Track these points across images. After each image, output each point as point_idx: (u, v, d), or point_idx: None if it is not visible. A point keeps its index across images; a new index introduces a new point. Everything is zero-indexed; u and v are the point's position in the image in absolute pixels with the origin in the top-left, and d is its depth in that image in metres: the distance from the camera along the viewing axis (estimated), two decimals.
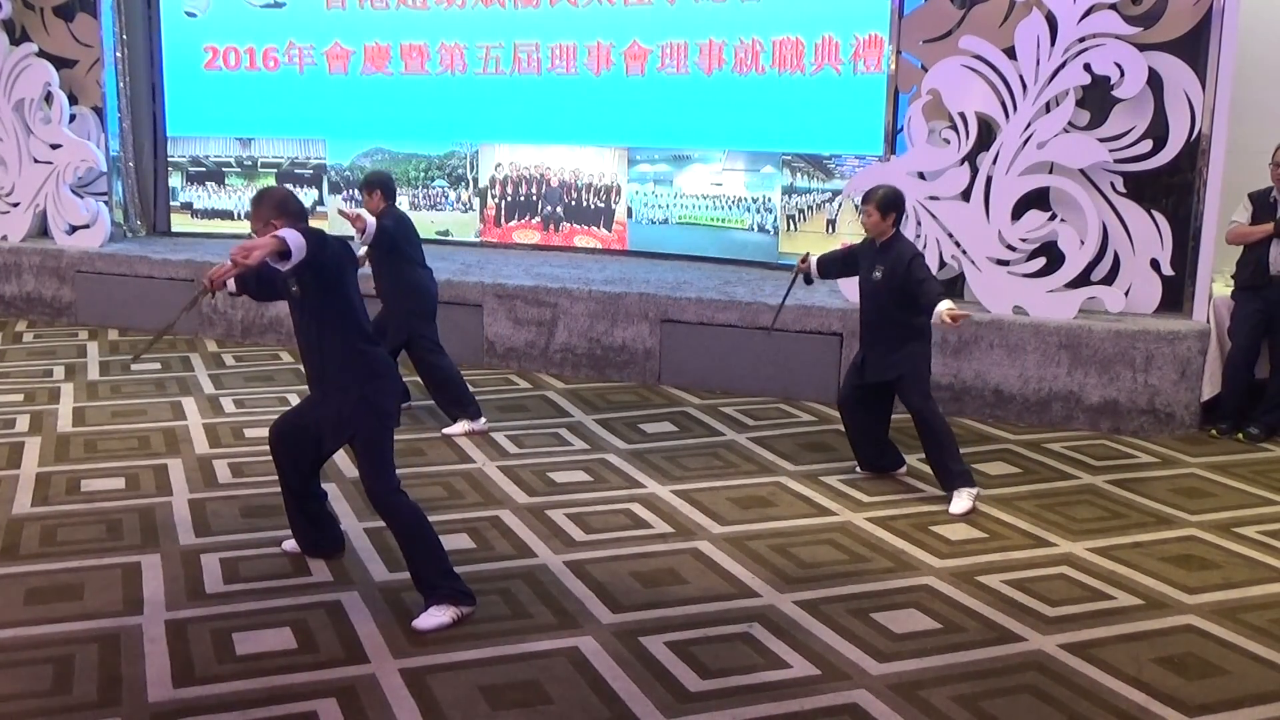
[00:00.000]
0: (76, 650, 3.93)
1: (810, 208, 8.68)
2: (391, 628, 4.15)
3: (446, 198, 10.05)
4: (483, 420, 6.65)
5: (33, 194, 9.76)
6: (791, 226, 8.76)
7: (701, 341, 7.66)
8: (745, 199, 9.01)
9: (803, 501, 5.59)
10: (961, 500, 5.47)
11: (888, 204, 5.58)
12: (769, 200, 8.87)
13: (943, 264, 7.26)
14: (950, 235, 7.22)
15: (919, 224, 7.25)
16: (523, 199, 9.83)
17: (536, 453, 6.28)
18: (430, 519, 5.20)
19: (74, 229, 9.71)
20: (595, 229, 9.64)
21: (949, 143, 7.15)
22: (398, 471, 4.40)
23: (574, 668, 3.90)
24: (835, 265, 6.08)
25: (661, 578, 4.67)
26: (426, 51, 9.76)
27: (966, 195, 7.16)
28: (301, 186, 10.26)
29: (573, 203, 9.67)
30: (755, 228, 8.97)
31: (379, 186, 6.58)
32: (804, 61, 8.59)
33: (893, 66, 7.67)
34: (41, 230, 9.94)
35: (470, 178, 9.97)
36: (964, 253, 7.20)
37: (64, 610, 4.25)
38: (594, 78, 9.36)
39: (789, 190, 8.76)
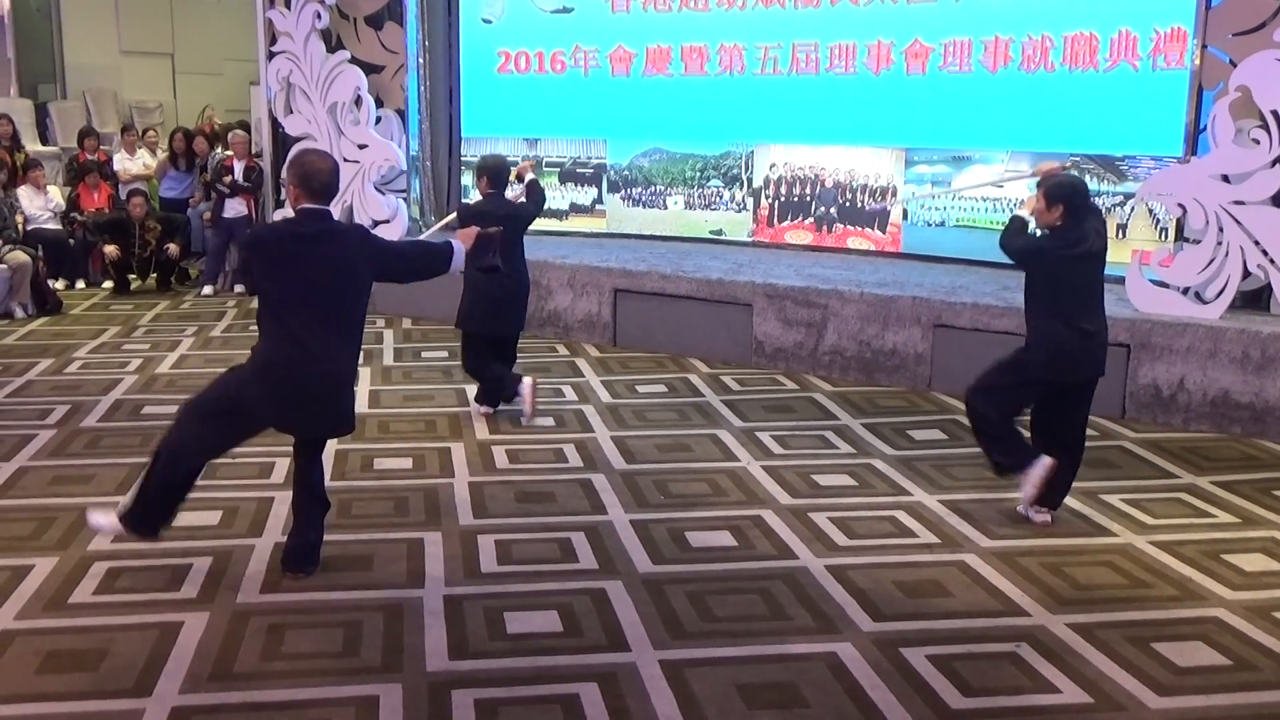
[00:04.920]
0: (364, 617, 4.23)
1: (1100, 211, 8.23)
2: (653, 619, 4.24)
3: (721, 197, 10.15)
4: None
5: (341, 191, 10.52)
6: None
7: (976, 348, 7.40)
8: None
9: (1080, 519, 5.33)
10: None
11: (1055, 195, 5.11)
12: None
13: (1247, 273, 6.75)
14: (1257, 243, 6.71)
15: (1220, 230, 6.77)
16: (796, 199, 9.81)
17: (801, 454, 6.26)
18: (693, 515, 5.31)
19: (376, 224, 10.40)
20: (869, 230, 9.50)
21: (1259, 143, 6.64)
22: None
23: (832, 673, 3.87)
24: None
25: (925, 588, 4.56)
26: (706, 53, 9.89)
27: (1277, 200, 6.63)
28: (582, 185, 10.63)
29: (847, 204, 9.57)
30: (1038, 232, 8.57)
31: (486, 172, 6.83)
32: (1098, 57, 8.18)
33: (1197, 61, 7.21)
34: None
35: (745, 178, 10.03)
36: (1272, 262, 6.67)
37: (355, 579, 4.57)
38: (873, 77, 9.23)
39: None
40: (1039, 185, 5.24)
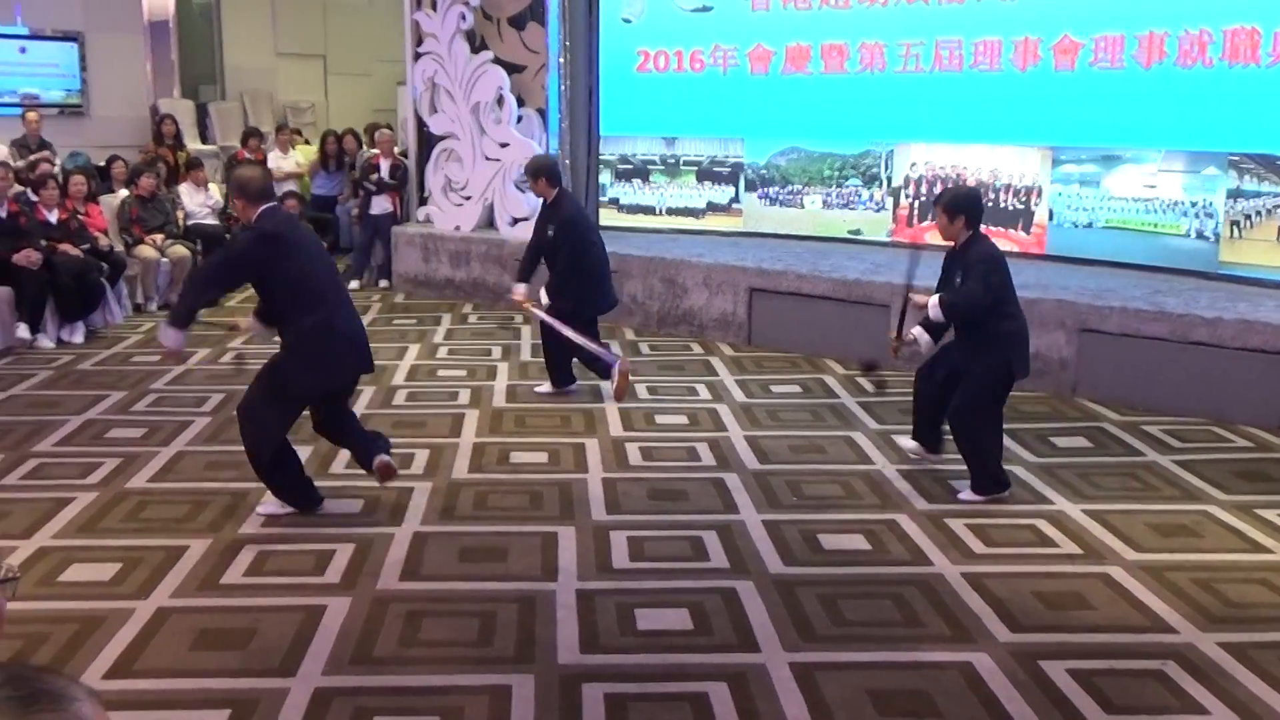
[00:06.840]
0: (499, 608, 4.31)
1: (1259, 213, 7.88)
2: (783, 620, 4.22)
3: (859, 197, 10.03)
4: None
5: (483, 188, 10.75)
6: (1235, 233, 8.01)
7: (1124, 354, 7.18)
8: (1182, 202, 8.33)
9: (1233, 534, 5.11)
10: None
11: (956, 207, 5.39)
12: (1210, 204, 8.15)
13: None
14: None
15: None
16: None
17: (938, 459, 6.14)
18: (825, 517, 5.27)
19: (515, 221, 10.59)
20: (1012, 231, 9.27)
21: None
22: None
23: (966, 683, 3.80)
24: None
25: (1066, 600, 4.44)
26: (846, 51, 9.78)
27: None
28: (719, 184, 10.62)
29: (989, 204, 9.35)
30: (1193, 234, 8.27)
31: (543, 173, 6.99)
32: (1260, 52, 7.82)
33: None
34: (488, 222, 10.92)
35: (884, 177, 9.89)
36: None
37: (490, 570, 4.66)
38: (1019, 74, 9.00)
39: (1235, 193, 8.00)
40: (936, 203, 5.55)
